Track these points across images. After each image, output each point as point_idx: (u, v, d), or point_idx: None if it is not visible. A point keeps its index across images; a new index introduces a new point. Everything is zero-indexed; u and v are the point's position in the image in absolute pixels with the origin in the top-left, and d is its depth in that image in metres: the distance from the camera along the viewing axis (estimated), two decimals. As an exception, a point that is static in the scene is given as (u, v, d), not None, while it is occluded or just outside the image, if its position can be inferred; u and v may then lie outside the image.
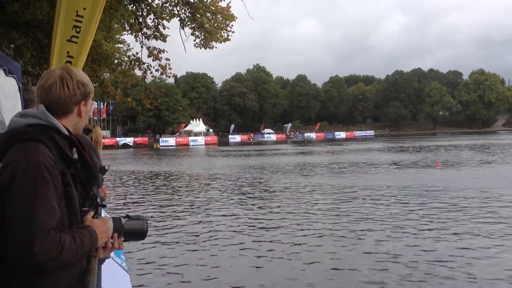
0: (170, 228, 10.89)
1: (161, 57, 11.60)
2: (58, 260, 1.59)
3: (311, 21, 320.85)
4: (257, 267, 7.74)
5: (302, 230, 10.26)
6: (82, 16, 5.56)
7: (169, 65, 11.73)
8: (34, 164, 1.64)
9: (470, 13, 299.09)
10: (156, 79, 13.48)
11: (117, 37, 14.91)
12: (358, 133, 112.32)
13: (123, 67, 13.29)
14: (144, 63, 12.07)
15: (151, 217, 12.39)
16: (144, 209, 13.71)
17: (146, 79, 12.68)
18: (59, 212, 1.66)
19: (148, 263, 8.10)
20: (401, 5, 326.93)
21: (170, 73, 11.87)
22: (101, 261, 2.13)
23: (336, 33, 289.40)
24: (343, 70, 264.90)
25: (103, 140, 5.30)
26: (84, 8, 5.56)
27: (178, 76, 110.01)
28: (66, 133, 1.83)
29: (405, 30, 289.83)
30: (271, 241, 9.37)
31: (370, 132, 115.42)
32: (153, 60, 11.72)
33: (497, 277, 6.80)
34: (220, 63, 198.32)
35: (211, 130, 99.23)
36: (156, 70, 11.85)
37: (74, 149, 1.88)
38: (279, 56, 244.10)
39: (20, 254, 1.55)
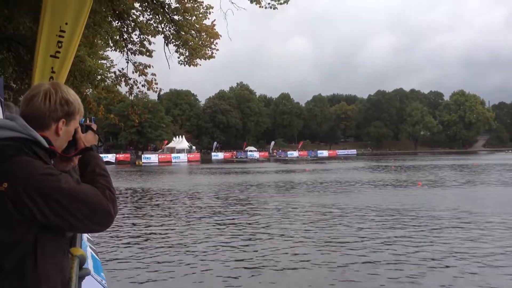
0: (149, 245, 10.78)
1: (147, 72, 11.62)
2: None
3: (302, 40, 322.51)
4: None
5: (284, 248, 10.25)
6: (64, 31, 5.54)
7: (155, 80, 11.76)
8: (42, 173, 1.65)
9: (457, 33, 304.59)
10: (139, 95, 13.45)
11: (100, 53, 14.88)
12: (340, 152, 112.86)
13: (106, 83, 13.26)
14: (130, 79, 12.08)
15: (129, 234, 12.27)
16: (124, 225, 13.54)
17: (132, 94, 12.65)
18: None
19: (129, 280, 7.99)
20: (390, 25, 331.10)
21: (157, 88, 11.89)
22: (81, 277, 2.10)
23: (325, 52, 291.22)
24: (330, 89, 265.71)
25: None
26: (66, 23, 5.55)
27: (162, 93, 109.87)
28: (46, 145, 1.79)
29: (393, 50, 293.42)
30: (251, 258, 9.33)
31: (353, 151, 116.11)
32: (139, 76, 11.74)
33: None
34: (207, 81, 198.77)
35: (194, 147, 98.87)
36: (143, 85, 11.86)
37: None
38: (267, 73, 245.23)
39: (105, 227, 1.80)
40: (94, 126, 2.16)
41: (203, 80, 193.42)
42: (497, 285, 7.38)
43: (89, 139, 2.09)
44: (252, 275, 8.23)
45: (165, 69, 12.11)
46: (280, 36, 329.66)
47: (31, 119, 1.80)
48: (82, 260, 2.08)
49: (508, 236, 11.00)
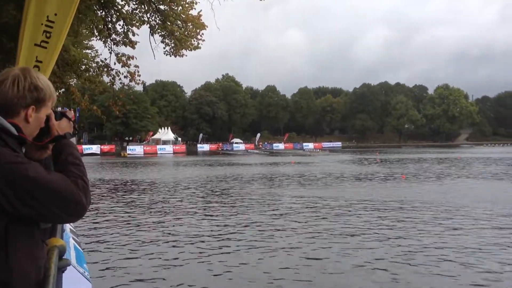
0: (133, 236, 10.75)
1: (130, 64, 11.47)
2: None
3: (295, 33, 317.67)
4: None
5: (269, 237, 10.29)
6: (53, 22, 5.44)
7: (138, 71, 11.62)
8: (9, 161, 1.61)
9: (451, 28, 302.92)
10: (125, 86, 13.28)
11: (85, 42, 14.70)
12: (326, 144, 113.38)
13: (90, 73, 13.10)
14: (112, 69, 11.92)
15: (116, 225, 12.22)
16: (108, 217, 13.48)
17: (114, 86, 12.48)
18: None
19: (110, 269, 7.96)
20: (385, 19, 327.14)
21: (139, 80, 11.74)
22: (61, 268, 2.07)
23: (318, 46, 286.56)
24: (321, 82, 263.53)
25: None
26: (55, 14, 5.45)
27: (147, 84, 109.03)
28: (15, 133, 1.75)
29: (385, 44, 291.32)
30: (233, 250, 9.36)
31: (338, 144, 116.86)
32: (122, 67, 11.58)
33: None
34: (196, 72, 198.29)
35: (179, 138, 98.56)
36: (125, 77, 11.71)
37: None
38: (259, 66, 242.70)
39: (76, 217, 1.76)
40: (70, 114, 2.09)
41: (192, 72, 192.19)
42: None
43: (63, 126, 2.03)
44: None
45: (152, 60, 12.00)
46: (274, 30, 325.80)
47: None
48: (62, 251, 2.05)
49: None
